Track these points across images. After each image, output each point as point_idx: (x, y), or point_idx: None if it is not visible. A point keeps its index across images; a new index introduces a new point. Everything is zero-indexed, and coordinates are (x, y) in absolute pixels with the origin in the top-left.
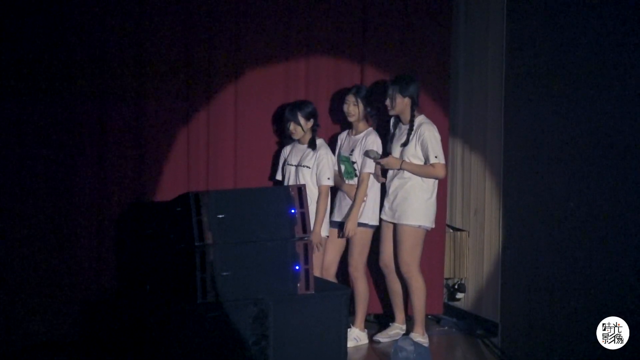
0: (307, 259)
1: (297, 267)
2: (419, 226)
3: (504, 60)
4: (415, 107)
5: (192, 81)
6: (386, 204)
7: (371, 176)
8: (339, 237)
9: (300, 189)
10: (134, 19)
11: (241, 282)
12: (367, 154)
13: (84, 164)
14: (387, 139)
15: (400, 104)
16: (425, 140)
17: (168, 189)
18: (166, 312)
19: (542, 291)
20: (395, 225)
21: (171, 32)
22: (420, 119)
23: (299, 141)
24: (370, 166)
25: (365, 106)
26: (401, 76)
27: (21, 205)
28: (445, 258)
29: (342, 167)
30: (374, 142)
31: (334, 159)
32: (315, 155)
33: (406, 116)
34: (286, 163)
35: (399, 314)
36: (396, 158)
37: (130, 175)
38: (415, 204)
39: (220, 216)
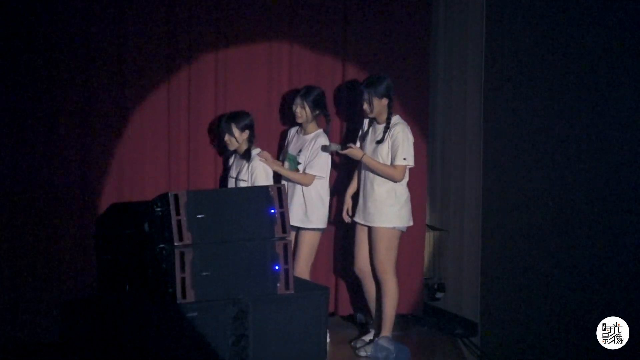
0: (286, 259)
1: (276, 267)
2: (393, 227)
3: (482, 60)
4: (392, 105)
5: (174, 77)
6: (360, 206)
7: (322, 180)
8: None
9: (280, 189)
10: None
11: (221, 282)
12: (326, 148)
13: (68, 163)
14: (357, 136)
15: (378, 106)
16: (397, 140)
17: (149, 189)
18: (146, 312)
19: (521, 291)
20: (369, 228)
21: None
22: (395, 119)
23: (237, 152)
24: (318, 169)
25: (313, 109)
26: (373, 77)
27: (3, 204)
28: (425, 258)
29: (287, 164)
30: (321, 144)
31: (268, 169)
32: (249, 168)
33: (383, 116)
34: (228, 175)
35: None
36: (359, 149)
37: (113, 175)
38: (389, 205)
39: (199, 216)
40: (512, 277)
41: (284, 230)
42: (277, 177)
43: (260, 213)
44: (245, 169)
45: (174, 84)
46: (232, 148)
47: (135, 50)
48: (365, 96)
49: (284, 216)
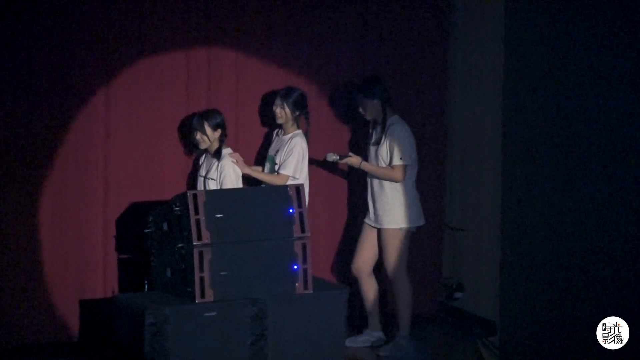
0: (305, 259)
1: (295, 267)
2: (401, 228)
3: (502, 59)
4: (387, 107)
5: (192, 76)
6: (370, 209)
7: (297, 181)
8: None
9: (299, 189)
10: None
11: (239, 282)
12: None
13: (88, 163)
14: (365, 140)
15: (371, 108)
16: (393, 140)
17: (168, 188)
18: (164, 311)
19: (540, 290)
20: (379, 230)
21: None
22: (393, 119)
23: (208, 151)
24: (291, 169)
25: (292, 110)
26: (365, 80)
27: (26, 204)
28: (444, 257)
29: (267, 166)
30: (297, 144)
31: (238, 170)
32: (218, 167)
33: (379, 118)
34: (198, 174)
35: (372, 321)
36: (357, 157)
37: (132, 174)
38: (395, 207)
39: (218, 216)
40: (531, 277)
41: (303, 230)
42: (253, 179)
43: (279, 213)
44: (214, 167)
45: (193, 83)
46: (203, 147)
47: (153, 51)
48: (358, 99)
49: (302, 216)
